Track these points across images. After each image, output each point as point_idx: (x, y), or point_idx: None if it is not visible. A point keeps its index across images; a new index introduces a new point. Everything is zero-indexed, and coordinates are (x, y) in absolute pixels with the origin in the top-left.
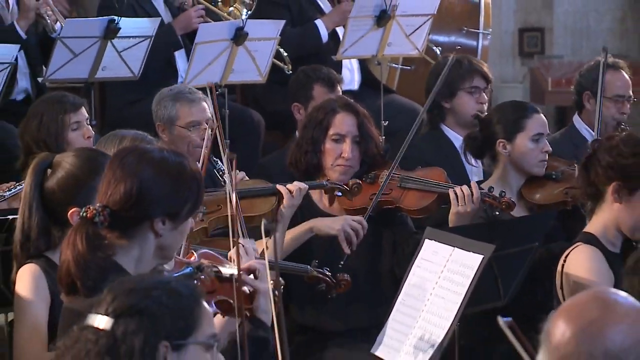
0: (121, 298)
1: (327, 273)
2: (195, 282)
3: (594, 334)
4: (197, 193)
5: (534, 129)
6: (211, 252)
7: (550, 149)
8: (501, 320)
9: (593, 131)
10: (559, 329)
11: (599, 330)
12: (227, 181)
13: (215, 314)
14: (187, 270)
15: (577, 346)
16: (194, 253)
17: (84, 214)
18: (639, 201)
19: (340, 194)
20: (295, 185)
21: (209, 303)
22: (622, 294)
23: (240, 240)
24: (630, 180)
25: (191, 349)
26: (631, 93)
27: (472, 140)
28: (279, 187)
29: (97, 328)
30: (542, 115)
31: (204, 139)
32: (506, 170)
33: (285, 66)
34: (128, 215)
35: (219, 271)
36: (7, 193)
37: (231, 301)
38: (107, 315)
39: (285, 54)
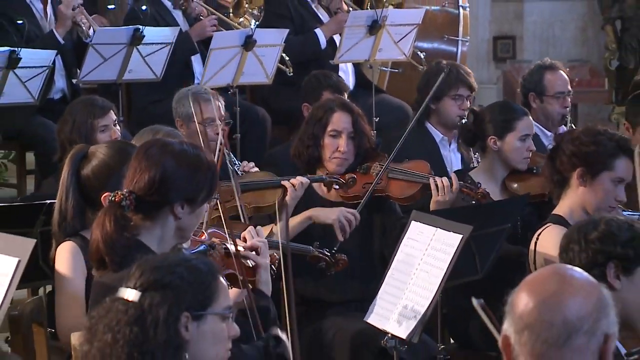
0: (148, 274)
1: (327, 253)
2: (208, 251)
3: (553, 304)
4: (211, 181)
5: (523, 130)
6: (218, 231)
7: (534, 147)
8: (475, 302)
9: (541, 127)
10: (522, 300)
11: (558, 301)
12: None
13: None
14: (202, 247)
15: (539, 315)
16: (205, 232)
17: (113, 199)
18: (600, 184)
19: (337, 187)
20: (297, 180)
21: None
22: (578, 269)
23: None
24: (593, 166)
25: (209, 319)
26: (570, 88)
27: (466, 131)
28: (284, 182)
29: (127, 300)
30: (530, 118)
31: (217, 134)
32: (493, 162)
33: (287, 69)
34: (151, 200)
35: (227, 248)
36: None
37: (237, 274)
38: (135, 289)
39: (287, 58)
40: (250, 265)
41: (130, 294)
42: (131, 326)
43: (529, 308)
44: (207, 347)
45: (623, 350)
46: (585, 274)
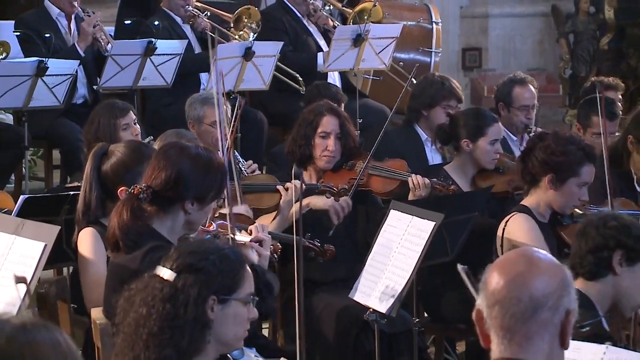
0: (184, 257)
1: (317, 244)
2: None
3: (521, 283)
4: (220, 183)
5: (493, 136)
6: (225, 222)
7: (502, 150)
8: (459, 267)
9: (509, 132)
10: (494, 279)
11: (525, 280)
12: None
13: None
14: (207, 237)
15: (509, 292)
16: (213, 223)
17: (132, 191)
18: (568, 188)
19: (330, 196)
20: (292, 184)
21: None
22: (543, 252)
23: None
24: (562, 173)
25: (233, 303)
26: (536, 102)
27: (442, 132)
28: (279, 187)
29: (163, 278)
30: (499, 124)
31: (225, 135)
32: (465, 161)
33: (300, 88)
34: (166, 195)
35: (232, 238)
36: None
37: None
38: (171, 269)
39: (299, 77)
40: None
41: (166, 274)
42: (164, 303)
43: (499, 286)
44: (228, 327)
45: (607, 327)
46: (550, 256)
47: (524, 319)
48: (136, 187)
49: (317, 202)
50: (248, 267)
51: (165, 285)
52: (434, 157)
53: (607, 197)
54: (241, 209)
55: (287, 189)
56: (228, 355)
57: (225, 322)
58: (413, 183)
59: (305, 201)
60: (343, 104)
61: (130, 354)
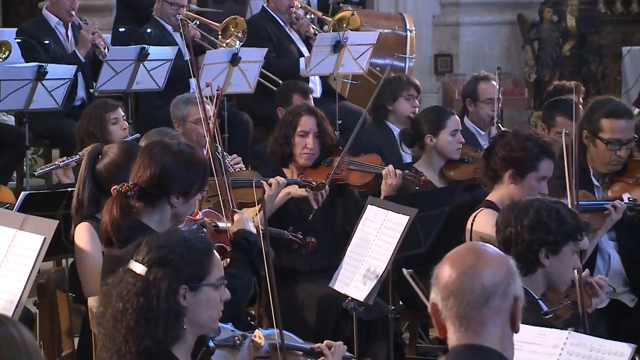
0: (153, 251)
1: (300, 237)
2: (200, 230)
3: (472, 274)
4: (203, 177)
5: (452, 127)
6: (211, 211)
7: (463, 140)
8: (405, 271)
9: (476, 127)
10: (446, 272)
11: (475, 271)
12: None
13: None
14: (195, 226)
15: (461, 284)
16: (199, 212)
17: (120, 189)
18: (528, 182)
19: (309, 190)
20: (275, 180)
21: None
22: (490, 246)
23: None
24: (521, 168)
25: (204, 289)
26: (500, 96)
27: (406, 135)
28: (262, 181)
29: (136, 273)
30: (457, 116)
31: (207, 131)
32: (431, 155)
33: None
34: (152, 191)
35: (217, 225)
36: (62, 163)
37: (225, 246)
38: (142, 264)
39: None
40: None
41: (138, 268)
42: (138, 297)
43: (452, 278)
44: (202, 311)
45: (545, 308)
46: (495, 248)
47: (478, 307)
48: (124, 185)
49: (297, 190)
50: (216, 253)
51: (137, 279)
52: (407, 149)
53: (566, 191)
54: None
55: (270, 185)
56: (206, 335)
57: (199, 307)
58: (385, 173)
59: (286, 190)
60: (311, 96)
61: (112, 347)
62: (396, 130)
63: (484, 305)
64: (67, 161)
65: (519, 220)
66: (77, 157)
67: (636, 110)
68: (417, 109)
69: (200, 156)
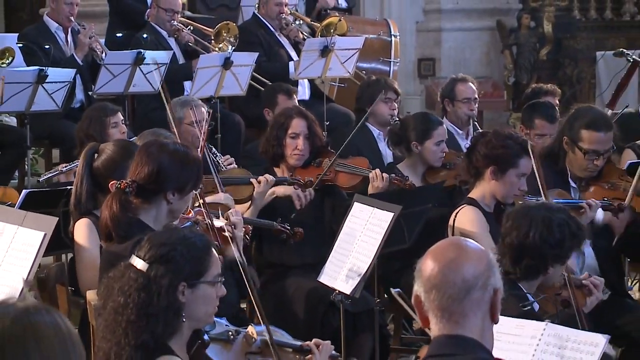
0: (155, 248)
1: (287, 227)
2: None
3: (453, 268)
4: (197, 175)
5: (438, 137)
6: (203, 210)
7: (447, 149)
8: (393, 291)
9: (454, 126)
10: (428, 266)
11: (457, 265)
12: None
13: None
14: (188, 224)
15: (443, 277)
16: (192, 210)
17: (119, 185)
18: (508, 178)
19: (297, 187)
20: (264, 178)
21: None
22: (471, 241)
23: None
24: (502, 165)
25: (202, 286)
26: (477, 96)
27: (393, 134)
28: (252, 179)
29: (137, 269)
30: (444, 126)
31: (203, 133)
32: (415, 160)
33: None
34: (149, 188)
35: (209, 223)
36: (64, 168)
37: (219, 244)
38: (144, 260)
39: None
40: (228, 236)
41: (139, 264)
42: (139, 292)
43: (434, 272)
44: (199, 307)
45: (531, 298)
46: (476, 243)
47: (459, 300)
48: (123, 182)
49: (281, 190)
50: (214, 251)
51: (139, 275)
52: (386, 150)
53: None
54: (220, 196)
55: (259, 182)
56: (201, 329)
57: (196, 303)
58: (372, 176)
59: (272, 190)
60: (295, 96)
61: (112, 339)
62: (375, 132)
63: (464, 298)
64: (69, 166)
65: (540, 234)
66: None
67: (609, 112)
68: (395, 111)
69: (194, 155)
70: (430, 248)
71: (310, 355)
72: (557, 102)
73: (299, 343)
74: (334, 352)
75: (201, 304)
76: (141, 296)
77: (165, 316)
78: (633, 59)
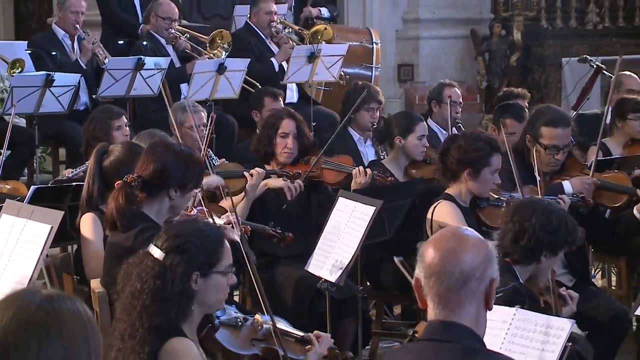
0: (171, 239)
1: (279, 232)
2: None
3: (453, 257)
4: (199, 175)
5: (420, 132)
6: (204, 208)
7: (428, 144)
8: (396, 259)
9: (440, 127)
10: (430, 253)
11: (456, 255)
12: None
13: None
14: None
15: (442, 266)
16: (194, 208)
17: (125, 180)
18: (483, 177)
19: (286, 179)
20: (255, 171)
21: None
22: (472, 231)
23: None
24: (476, 166)
25: (214, 275)
26: (461, 100)
27: (378, 132)
28: (245, 173)
29: (154, 257)
30: (424, 122)
31: (203, 136)
32: (399, 154)
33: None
34: (153, 183)
35: (213, 218)
36: (71, 174)
37: None
38: (161, 249)
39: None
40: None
41: (156, 252)
42: (155, 279)
43: (435, 260)
44: (210, 294)
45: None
46: (476, 233)
47: (456, 290)
48: (129, 176)
49: (274, 182)
50: (227, 243)
51: (156, 263)
52: (368, 152)
53: (515, 185)
54: (212, 178)
55: (252, 175)
56: (212, 314)
57: (208, 291)
58: (355, 173)
59: (264, 182)
60: (280, 98)
61: (128, 321)
62: (356, 137)
63: (461, 288)
64: (75, 172)
65: (539, 220)
66: (84, 166)
67: (573, 113)
68: (376, 119)
69: (197, 157)
70: (432, 236)
71: (310, 346)
72: (527, 104)
73: (301, 333)
74: (332, 345)
75: (213, 291)
76: (157, 283)
77: (178, 301)
78: (596, 64)
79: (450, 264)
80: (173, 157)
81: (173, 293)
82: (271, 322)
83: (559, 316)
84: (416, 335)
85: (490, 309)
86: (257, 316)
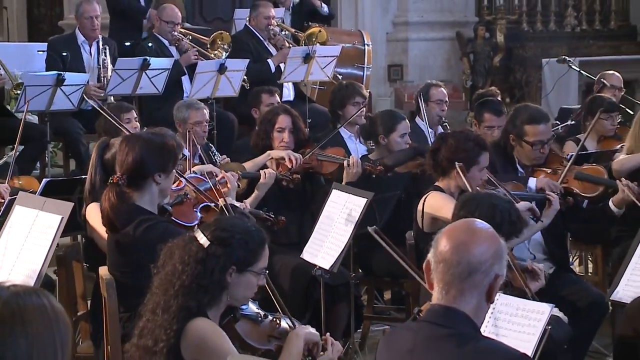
0: (218, 231)
1: (272, 216)
2: (184, 198)
3: (463, 249)
4: (175, 154)
5: (402, 130)
6: (196, 176)
7: (410, 141)
8: (369, 228)
9: (427, 125)
10: (443, 242)
11: (466, 247)
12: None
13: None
14: (178, 199)
15: (452, 255)
16: (182, 180)
17: (112, 180)
18: (472, 174)
19: (285, 183)
20: (269, 171)
21: (196, 210)
22: (485, 224)
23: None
24: (466, 165)
25: (248, 274)
26: (447, 99)
27: (363, 130)
28: (260, 171)
29: (200, 243)
30: (407, 121)
31: (204, 132)
32: (382, 152)
33: (245, 84)
34: (137, 175)
35: (198, 188)
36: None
37: (210, 204)
38: (206, 237)
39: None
40: (222, 190)
41: (202, 239)
42: (197, 264)
43: (446, 249)
44: (241, 290)
45: None
46: (492, 229)
47: (461, 279)
48: (115, 176)
49: (276, 153)
50: (266, 247)
51: (200, 249)
52: (359, 149)
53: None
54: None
55: (265, 175)
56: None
57: (239, 287)
58: (349, 163)
59: (266, 153)
60: (276, 94)
61: (162, 297)
62: (346, 135)
63: (466, 278)
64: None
65: (482, 215)
66: None
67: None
68: (363, 113)
69: (168, 140)
70: (448, 226)
71: (323, 352)
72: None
73: (317, 335)
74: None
75: (243, 288)
76: (198, 267)
77: (213, 289)
78: (574, 67)
79: (459, 255)
80: (146, 146)
81: (210, 281)
82: (288, 322)
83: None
84: (421, 314)
85: (491, 302)
86: (278, 314)
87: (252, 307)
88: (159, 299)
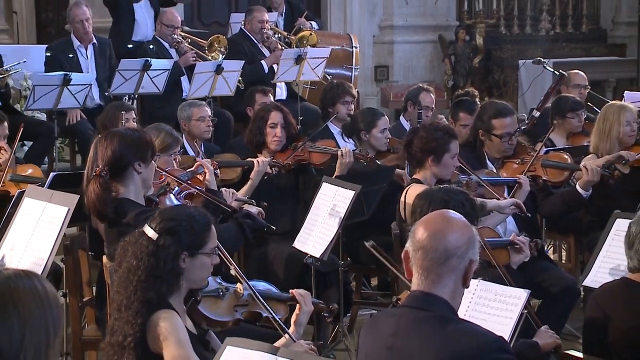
0: (164, 222)
1: (252, 201)
2: (167, 188)
3: (439, 236)
4: (152, 144)
5: (381, 126)
6: (175, 168)
7: (390, 135)
8: (367, 244)
9: (410, 124)
10: (420, 231)
11: (443, 234)
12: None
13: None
14: (161, 190)
15: (430, 242)
16: (163, 175)
17: (94, 173)
18: (445, 162)
19: (277, 169)
20: (261, 159)
21: (179, 198)
22: (458, 214)
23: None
24: (438, 153)
25: (200, 256)
26: (433, 106)
27: (345, 128)
28: (254, 160)
29: (149, 236)
30: (386, 117)
31: (209, 126)
32: (365, 147)
33: (240, 84)
34: (118, 166)
35: (179, 178)
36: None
37: (193, 191)
38: (154, 230)
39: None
40: (200, 179)
41: (150, 232)
42: (149, 257)
43: (424, 237)
44: (196, 273)
45: None
46: (463, 218)
47: (439, 264)
48: (97, 169)
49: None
50: (213, 227)
51: (150, 242)
52: (347, 143)
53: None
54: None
55: (259, 163)
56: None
57: (194, 270)
58: (342, 153)
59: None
60: (270, 94)
61: (124, 294)
62: (336, 130)
63: (443, 263)
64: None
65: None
66: None
67: (537, 113)
68: (351, 111)
69: (144, 134)
70: (424, 217)
71: (298, 306)
72: (477, 101)
73: (285, 295)
74: (315, 299)
75: (199, 270)
76: (151, 260)
77: (168, 278)
78: (560, 72)
79: (436, 241)
80: (122, 140)
81: (165, 270)
82: (250, 288)
83: (505, 269)
84: (399, 302)
85: (467, 287)
86: (239, 284)
87: (213, 284)
88: (121, 297)
